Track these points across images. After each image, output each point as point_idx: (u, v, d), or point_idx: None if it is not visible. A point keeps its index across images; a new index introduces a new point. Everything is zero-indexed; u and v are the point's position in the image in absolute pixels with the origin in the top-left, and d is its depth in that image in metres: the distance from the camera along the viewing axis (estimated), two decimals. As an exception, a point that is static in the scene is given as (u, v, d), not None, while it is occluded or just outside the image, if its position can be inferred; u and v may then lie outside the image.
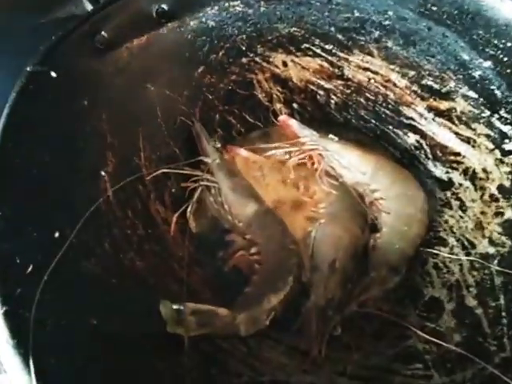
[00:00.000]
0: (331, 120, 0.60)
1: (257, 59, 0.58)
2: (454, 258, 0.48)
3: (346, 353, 0.42)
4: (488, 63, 0.49)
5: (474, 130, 0.51)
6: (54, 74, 0.43)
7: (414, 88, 0.55)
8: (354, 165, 0.54)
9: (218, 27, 0.55)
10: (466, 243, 0.49)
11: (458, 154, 0.53)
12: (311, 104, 0.60)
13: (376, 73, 0.56)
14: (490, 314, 0.43)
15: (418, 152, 0.56)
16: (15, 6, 0.51)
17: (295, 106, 0.60)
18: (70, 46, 0.45)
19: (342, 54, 0.57)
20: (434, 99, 0.54)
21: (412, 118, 0.56)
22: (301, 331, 0.43)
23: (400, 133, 0.57)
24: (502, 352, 0.40)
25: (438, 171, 0.54)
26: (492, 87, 0.49)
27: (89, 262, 0.39)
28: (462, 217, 0.51)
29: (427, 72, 0.53)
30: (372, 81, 0.57)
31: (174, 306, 0.38)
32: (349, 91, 0.58)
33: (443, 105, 0.53)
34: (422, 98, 0.55)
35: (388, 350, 0.43)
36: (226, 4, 0.54)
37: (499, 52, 0.48)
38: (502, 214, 0.48)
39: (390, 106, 0.57)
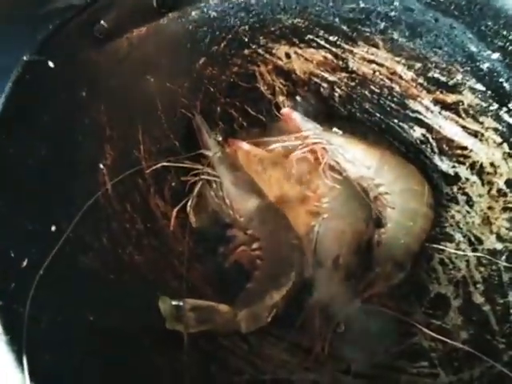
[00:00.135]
0: (335, 113, 0.59)
1: (259, 51, 0.57)
2: (461, 254, 0.48)
3: (350, 350, 0.42)
4: (496, 55, 0.48)
5: (482, 123, 0.50)
6: (51, 64, 0.42)
7: (420, 80, 0.54)
8: (358, 159, 0.53)
9: (219, 18, 0.54)
10: (472, 239, 0.49)
11: (465, 148, 0.52)
12: (315, 97, 0.59)
13: (381, 65, 0.55)
14: (498, 311, 0.42)
15: (423, 146, 0.55)
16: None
17: (298, 98, 0.59)
18: (68, 35, 0.44)
19: (346, 46, 0.56)
20: (441, 92, 0.53)
21: (418, 112, 0.55)
22: (303, 328, 0.43)
23: (405, 126, 0.56)
24: (510, 350, 0.40)
25: (445, 165, 0.53)
26: (500, 80, 0.48)
27: (86, 256, 0.38)
28: (468, 212, 0.50)
29: (434, 64, 0.52)
30: (377, 73, 0.56)
31: (174, 302, 0.37)
32: (353, 84, 0.57)
33: (450, 98, 0.52)
34: (429, 91, 0.54)
35: (393, 348, 0.42)
36: (228, -6, 0.53)
37: (508, 43, 0.47)
38: (510, 209, 0.47)
39: (395, 99, 0.56)
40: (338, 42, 0.56)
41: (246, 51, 0.56)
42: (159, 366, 0.36)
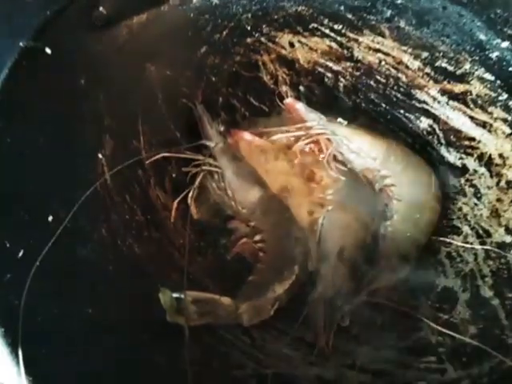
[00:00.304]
0: (340, 104, 0.57)
1: (262, 39, 0.56)
2: (468, 247, 0.47)
3: (355, 345, 0.41)
4: (506, 43, 0.47)
5: (491, 113, 0.49)
6: (48, 51, 0.41)
7: (427, 70, 0.53)
8: (363, 150, 0.52)
9: (221, 5, 0.53)
10: (480, 231, 0.48)
11: (473, 139, 0.51)
12: (319, 87, 0.58)
13: (387, 54, 0.54)
14: (508, 305, 0.42)
15: (430, 137, 0.54)
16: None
17: (302, 88, 0.58)
18: (66, 21, 0.43)
19: (351, 35, 0.54)
20: (449, 82, 0.52)
21: (425, 102, 0.54)
22: (307, 322, 0.42)
23: (412, 117, 0.55)
24: None
25: (452, 157, 0.52)
26: (510, 69, 0.47)
27: (84, 247, 0.38)
28: (476, 204, 0.50)
29: (441, 53, 0.51)
30: (383, 63, 0.55)
31: (174, 295, 0.37)
32: (358, 73, 0.56)
33: (458, 88, 0.51)
34: (436, 81, 0.52)
35: (399, 343, 0.42)
36: (231, -20, 0.53)
37: (518, 32, 0.46)
38: (520, 201, 0.46)
39: (401, 89, 0.55)
40: (343, 31, 0.54)
41: (249, 40, 0.55)
42: (159, 359, 0.35)
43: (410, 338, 0.42)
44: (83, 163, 0.42)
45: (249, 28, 0.55)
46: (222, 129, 0.54)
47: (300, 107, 0.55)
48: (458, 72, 0.51)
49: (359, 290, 0.44)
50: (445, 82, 0.52)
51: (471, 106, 0.51)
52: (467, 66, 0.50)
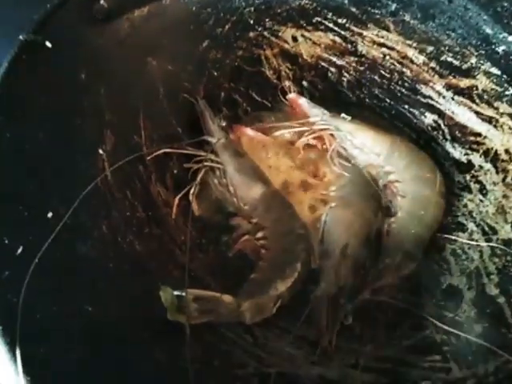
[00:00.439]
0: (343, 99, 0.57)
1: (265, 34, 0.55)
2: (474, 244, 0.47)
3: (359, 344, 0.41)
4: (513, 37, 0.46)
5: (497, 108, 0.49)
6: (49, 45, 0.41)
7: (433, 65, 0.52)
8: (367, 146, 0.52)
9: (224, -1, 0.52)
10: (486, 228, 0.48)
11: (479, 135, 0.50)
12: (322, 82, 0.58)
13: (392, 49, 0.54)
14: None
15: (435, 132, 0.54)
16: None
17: (305, 83, 0.58)
18: (66, 14, 0.43)
19: (355, 29, 0.54)
20: (454, 76, 0.51)
21: (430, 97, 0.53)
22: (310, 320, 0.41)
23: (416, 112, 0.55)
24: None
25: (457, 153, 0.52)
26: (517, 63, 0.47)
27: (84, 244, 0.37)
28: (482, 201, 0.49)
29: (447, 47, 0.51)
30: (387, 57, 0.54)
31: (175, 292, 0.36)
32: (362, 68, 0.56)
33: (463, 82, 0.51)
34: (441, 76, 0.52)
35: (403, 341, 0.42)
36: (234, -26, 0.52)
37: (525, 25, 0.45)
38: (526, 197, 0.46)
39: (406, 84, 0.54)
40: (347, 25, 0.54)
41: (252, 34, 0.55)
42: (160, 358, 0.35)
43: (414, 337, 0.42)
44: (83, 159, 0.41)
45: (251, 22, 0.54)
46: (223, 124, 0.53)
47: (303, 102, 0.55)
48: (464, 66, 0.50)
49: (363, 288, 0.44)
50: (450, 77, 0.52)
51: (477, 100, 0.50)
52: (473, 61, 0.50)
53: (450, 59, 0.51)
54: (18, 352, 0.27)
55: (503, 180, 0.48)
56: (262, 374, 0.37)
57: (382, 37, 0.53)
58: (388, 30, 0.53)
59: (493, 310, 0.42)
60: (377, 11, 0.52)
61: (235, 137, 0.53)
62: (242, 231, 0.47)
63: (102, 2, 0.45)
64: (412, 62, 0.53)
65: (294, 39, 0.56)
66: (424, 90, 0.53)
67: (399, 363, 0.40)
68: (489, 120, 0.49)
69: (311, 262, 0.45)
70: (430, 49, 0.52)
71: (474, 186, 0.50)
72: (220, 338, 0.38)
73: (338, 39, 0.55)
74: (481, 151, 0.50)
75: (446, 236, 0.48)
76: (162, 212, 0.47)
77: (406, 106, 0.55)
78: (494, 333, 0.40)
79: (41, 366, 0.28)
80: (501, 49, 0.47)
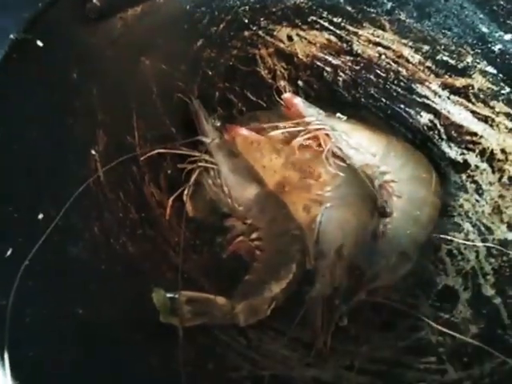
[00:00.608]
0: (339, 98, 0.57)
1: (260, 33, 0.55)
2: (470, 245, 0.47)
3: (354, 345, 0.41)
4: (509, 36, 0.46)
5: (493, 108, 0.49)
6: (40, 44, 0.40)
7: (428, 64, 0.52)
8: (363, 146, 0.51)
9: (218, -3, 0.52)
10: (482, 228, 0.47)
11: (475, 134, 0.50)
12: (318, 81, 0.57)
13: (387, 48, 0.53)
14: (510, 304, 0.41)
15: (431, 132, 0.53)
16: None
17: (300, 83, 0.57)
18: (58, 13, 0.42)
19: (351, 28, 0.54)
20: (450, 76, 0.51)
21: (425, 96, 0.53)
22: (304, 322, 0.41)
23: (412, 112, 0.54)
24: None
25: (453, 152, 0.52)
26: (513, 62, 0.47)
27: (76, 246, 0.37)
28: (478, 201, 0.49)
29: (443, 46, 0.50)
30: (383, 56, 0.54)
31: (168, 294, 0.36)
32: (358, 68, 0.56)
33: (459, 81, 0.51)
34: (437, 75, 0.52)
35: (399, 343, 0.42)
36: (228, -28, 0.52)
37: (521, 24, 0.45)
38: (523, 197, 0.46)
39: (401, 84, 0.54)
40: (343, 24, 0.54)
41: (246, 33, 0.55)
42: (152, 361, 0.35)
43: (409, 338, 0.42)
44: (75, 159, 0.41)
45: (246, 21, 0.54)
46: (218, 124, 0.53)
47: (298, 102, 0.55)
48: (460, 65, 0.50)
49: (358, 289, 0.43)
50: (446, 76, 0.51)
51: (473, 100, 0.50)
52: (469, 60, 0.49)
53: (445, 58, 0.51)
54: (6, 356, 0.27)
55: (499, 180, 0.48)
56: (255, 376, 0.37)
57: (378, 36, 0.53)
58: (384, 28, 0.53)
59: (489, 311, 0.42)
60: (372, 10, 0.52)
61: (230, 137, 0.53)
62: (236, 232, 0.47)
63: (94, 0, 0.44)
64: (408, 61, 0.53)
65: (290, 38, 0.56)
66: (420, 89, 0.53)
67: (394, 365, 0.40)
68: (485, 119, 0.49)
69: (306, 262, 0.45)
70: (426, 48, 0.51)
71: (470, 186, 0.50)
72: (213, 340, 0.38)
73: (333, 38, 0.55)
74: (477, 151, 0.50)
75: (442, 236, 0.48)
76: (155, 213, 0.46)
77: (402, 106, 0.55)
78: (490, 334, 0.40)
79: (30, 370, 0.28)
80: (497, 48, 0.47)
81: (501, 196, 0.47)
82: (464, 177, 0.50)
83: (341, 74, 0.56)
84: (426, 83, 0.53)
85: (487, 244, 0.46)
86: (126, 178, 0.45)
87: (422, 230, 0.47)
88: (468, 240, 0.47)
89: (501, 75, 0.48)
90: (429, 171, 0.50)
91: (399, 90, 0.54)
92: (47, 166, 0.38)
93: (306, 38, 0.55)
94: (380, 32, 0.53)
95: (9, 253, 0.32)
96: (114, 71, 0.46)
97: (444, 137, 0.52)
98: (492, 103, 0.48)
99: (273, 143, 0.53)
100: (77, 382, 0.31)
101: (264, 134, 0.54)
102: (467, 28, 0.48)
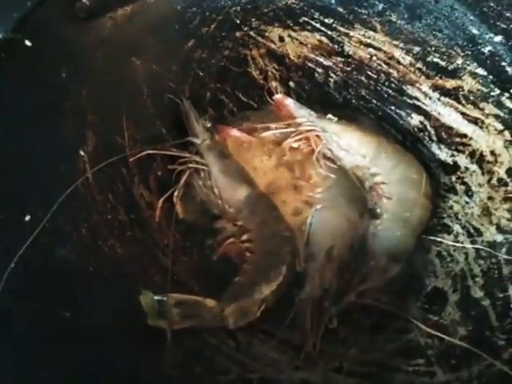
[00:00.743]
0: (330, 100, 0.57)
1: (251, 33, 0.55)
2: (459, 247, 0.47)
3: (343, 347, 0.41)
4: (499, 38, 0.46)
5: (483, 109, 0.49)
6: (28, 43, 0.40)
7: (419, 65, 0.52)
8: (353, 147, 0.51)
9: (210, -3, 0.52)
10: (471, 230, 0.47)
11: (465, 136, 0.50)
12: (309, 82, 0.57)
13: (378, 49, 0.53)
14: (498, 306, 0.41)
15: (421, 134, 0.53)
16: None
17: (292, 84, 0.57)
18: (47, 12, 0.42)
19: (342, 29, 0.54)
20: (440, 77, 0.51)
21: (416, 98, 0.53)
22: (294, 324, 0.41)
23: (403, 113, 0.54)
24: (510, 347, 0.38)
25: (443, 154, 0.52)
26: (503, 64, 0.47)
27: (63, 248, 0.37)
28: (467, 202, 0.49)
29: (433, 48, 0.51)
30: (374, 58, 0.54)
31: (157, 297, 0.35)
32: (349, 69, 0.55)
33: (450, 83, 0.51)
34: (427, 76, 0.52)
35: (388, 345, 0.41)
36: (219, -28, 0.51)
37: (511, 26, 0.45)
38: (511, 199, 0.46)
39: (392, 85, 0.54)
40: (334, 25, 0.54)
41: (238, 34, 0.54)
42: (140, 364, 0.34)
43: (398, 340, 0.42)
44: (64, 160, 0.41)
45: (238, 21, 0.54)
46: (209, 125, 0.52)
47: (290, 103, 0.54)
48: (450, 67, 0.50)
49: (348, 291, 0.43)
50: (436, 78, 0.51)
51: (463, 101, 0.50)
52: (459, 61, 0.49)
53: (436, 60, 0.51)
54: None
55: (488, 181, 0.48)
56: (244, 379, 0.37)
57: (369, 37, 0.53)
58: (375, 30, 0.53)
59: (477, 313, 0.42)
60: (364, 11, 0.52)
61: (220, 138, 0.53)
62: (226, 234, 0.47)
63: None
64: (399, 62, 0.53)
65: (281, 39, 0.55)
66: (410, 90, 0.53)
67: (383, 367, 0.40)
68: (474, 121, 0.49)
69: (296, 264, 0.44)
70: (417, 49, 0.51)
71: (460, 188, 0.50)
72: (202, 343, 0.38)
73: (324, 39, 0.55)
74: (467, 152, 0.50)
75: (432, 238, 0.48)
76: (144, 215, 0.46)
77: (393, 107, 0.55)
78: (478, 336, 0.40)
79: (15, 373, 0.28)
80: (487, 49, 0.47)
81: (490, 198, 0.47)
82: (454, 178, 0.50)
83: (332, 75, 0.56)
84: (417, 85, 0.52)
85: (476, 246, 0.46)
86: (116, 180, 0.45)
87: (412, 231, 0.47)
88: (457, 242, 0.47)
89: (491, 77, 0.48)
90: (419, 173, 0.50)
91: (390, 91, 0.54)
92: (34, 166, 0.38)
93: (297, 39, 0.55)
94: (371, 33, 0.53)
95: (-6, 255, 0.31)
96: (104, 71, 0.46)
97: (434, 138, 0.52)
98: (482, 105, 0.48)
99: (264, 144, 0.53)
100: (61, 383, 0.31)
101: (255, 135, 0.53)
102: (457, 30, 0.48)
